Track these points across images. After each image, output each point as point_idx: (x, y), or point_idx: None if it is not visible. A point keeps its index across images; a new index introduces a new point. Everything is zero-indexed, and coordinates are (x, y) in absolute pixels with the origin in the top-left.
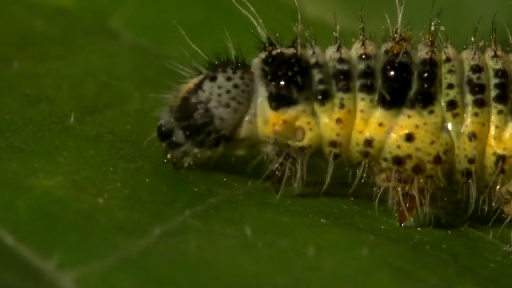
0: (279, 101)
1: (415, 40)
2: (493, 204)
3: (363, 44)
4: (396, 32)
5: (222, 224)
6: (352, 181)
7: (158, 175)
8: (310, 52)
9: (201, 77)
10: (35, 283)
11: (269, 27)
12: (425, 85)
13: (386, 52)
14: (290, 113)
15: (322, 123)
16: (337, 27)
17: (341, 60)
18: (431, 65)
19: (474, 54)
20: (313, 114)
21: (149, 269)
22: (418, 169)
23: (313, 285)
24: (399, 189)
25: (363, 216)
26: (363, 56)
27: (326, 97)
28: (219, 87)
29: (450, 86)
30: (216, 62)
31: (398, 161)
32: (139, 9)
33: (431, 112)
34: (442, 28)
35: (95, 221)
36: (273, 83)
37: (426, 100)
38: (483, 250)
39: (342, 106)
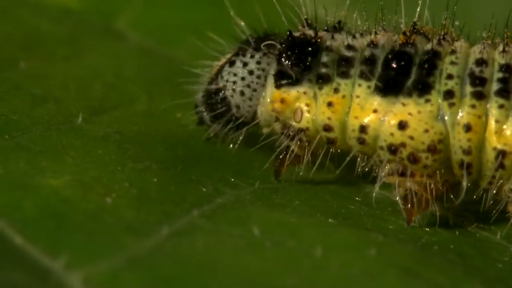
0: (282, 79)
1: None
2: (500, 204)
3: (376, 32)
4: (413, 25)
5: (230, 224)
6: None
7: (165, 175)
8: (328, 36)
9: (225, 58)
10: (43, 282)
11: (276, 28)
12: (423, 74)
13: (394, 42)
14: (290, 92)
15: (317, 106)
16: (359, 19)
17: (348, 47)
18: (433, 55)
19: (482, 48)
20: (314, 97)
21: (157, 269)
22: (413, 158)
23: (321, 285)
24: (401, 183)
25: (370, 216)
26: (371, 44)
27: (325, 81)
28: (235, 74)
29: (449, 77)
30: (247, 38)
31: (393, 149)
32: (145, 10)
33: (427, 101)
34: (457, 22)
35: (103, 220)
36: (281, 62)
37: (423, 89)
38: (491, 250)
39: (336, 90)
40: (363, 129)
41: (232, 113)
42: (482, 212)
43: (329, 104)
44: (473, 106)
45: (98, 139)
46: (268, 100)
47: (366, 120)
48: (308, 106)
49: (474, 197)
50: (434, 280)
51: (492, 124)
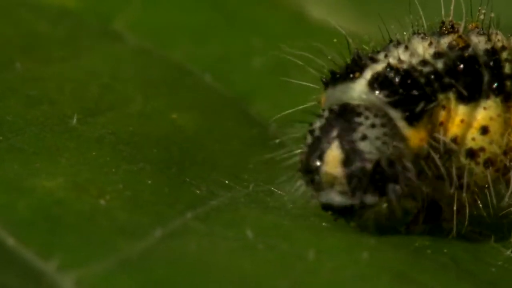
0: (415, 116)
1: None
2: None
3: (431, 42)
4: (451, 25)
5: (223, 227)
6: None
7: (160, 177)
8: (394, 60)
9: (337, 146)
10: (36, 284)
11: (272, 31)
12: (493, 74)
13: (451, 47)
14: (426, 123)
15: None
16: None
17: (424, 63)
18: (494, 53)
19: None
20: (434, 118)
21: (150, 271)
22: (490, 162)
23: None
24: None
25: None
26: (437, 54)
27: (435, 100)
28: (378, 138)
29: (509, 77)
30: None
31: (472, 154)
32: (143, 11)
33: (502, 100)
34: (492, 14)
35: (96, 222)
36: (401, 103)
37: (497, 89)
38: (485, 254)
39: (443, 107)
40: (454, 140)
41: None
42: (476, 215)
43: (441, 124)
44: None
45: (93, 141)
46: (410, 141)
47: (456, 131)
48: (441, 126)
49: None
50: (427, 284)
51: None
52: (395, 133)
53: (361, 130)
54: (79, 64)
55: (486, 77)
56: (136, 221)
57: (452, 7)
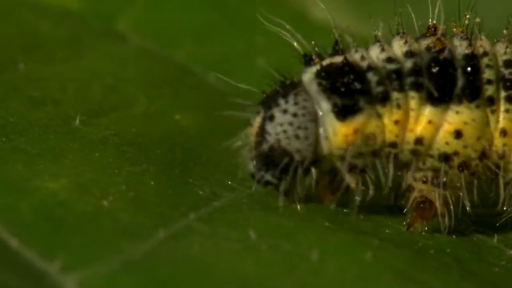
0: (345, 111)
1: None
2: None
3: (406, 41)
4: (433, 28)
5: (227, 228)
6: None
7: (163, 178)
8: (358, 56)
9: (259, 118)
10: (38, 285)
11: (275, 31)
12: (470, 80)
13: (428, 48)
14: (358, 120)
15: (384, 125)
16: (380, 25)
17: (390, 60)
18: (473, 59)
19: (506, 48)
20: (378, 117)
21: (153, 272)
22: (464, 166)
23: None
24: (434, 195)
25: (367, 220)
26: (409, 53)
27: (386, 98)
28: (281, 124)
29: (489, 82)
30: (265, 95)
31: (445, 158)
32: (146, 12)
33: (478, 106)
34: (477, 19)
35: (99, 223)
36: (335, 95)
37: (472, 94)
38: (487, 254)
39: (398, 106)
40: (418, 141)
41: (296, 160)
42: (479, 215)
43: (396, 122)
44: (507, 111)
45: (96, 142)
46: (335, 135)
47: (421, 132)
48: (378, 127)
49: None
50: (430, 284)
51: None
52: (307, 128)
53: (275, 111)
54: (81, 65)
55: (460, 82)
56: (139, 222)
57: (436, 10)
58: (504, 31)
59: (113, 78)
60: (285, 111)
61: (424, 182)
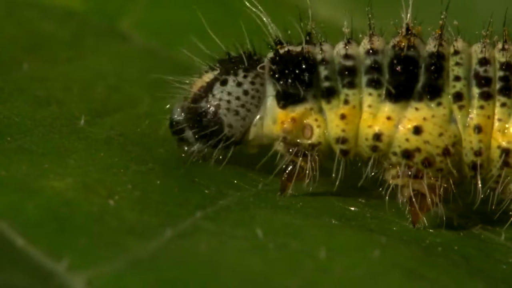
0: (286, 99)
1: (426, 36)
2: (503, 204)
3: (370, 39)
4: (404, 27)
5: (233, 226)
6: (363, 179)
7: (169, 177)
8: (317, 49)
9: (212, 75)
10: (45, 285)
11: (279, 27)
12: (432, 78)
13: (394, 46)
14: (298, 110)
15: (328, 120)
16: (345, 23)
17: (347, 56)
18: (438, 57)
19: (483, 47)
20: (321, 111)
21: (160, 271)
22: (427, 162)
23: (324, 287)
24: (409, 186)
25: (374, 218)
26: (370, 51)
27: (331, 93)
28: (229, 93)
29: (457, 78)
30: (230, 57)
31: (408, 154)
32: (149, 11)
33: (439, 104)
34: (455, 22)
35: (106, 223)
36: (280, 82)
37: (433, 92)
38: (495, 251)
39: (346, 102)
40: (377, 137)
41: (224, 133)
42: (487, 213)
43: (342, 117)
44: (481, 107)
45: (101, 142)
46: (272, 121)
47: (380, 128)
48: (317, 121)
49: (482, 196)
50: (439, 281)
51: (496, 122)
52: (249, 104)
53: (230, 77)
54: (85, 65)
55: (422, 78)
56: (146, 221)
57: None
58: (483, 32)
59: (117, 78)
60: (239, 84)
61: (398, 177)
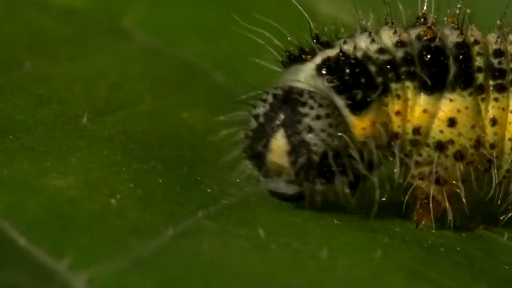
0: (357, 106)
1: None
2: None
3: (396, 31)
4: (423, 17)
5: (235, 225)
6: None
7: (171, 176)
8: (350, 47)
9: (281, 137)
10: (47, 284)
11: (282, 27)
12: (462, 67)
13: (419, 37)
14: (370, 113)
15: (390, 117)
16: (358, 13)
17: (382, 51)
18: (465, 46)
19: (497, 38)
20: (385, 106)
21: (162, 270)
22: (460, 155)
23: (327, 287)
24: (430, 190)
25: (377, 218)
26: (399, 43)
27: (386, 89)
28: (323, 130)
29: (479, 70)
30: (263, 118)
31: (441, 146)
32: (151, 9)
33: (471, 94)
34: (468, 10)
35: (108, 221)
36: (345, 90)
37: (465, 81)
38: (498, 252)
39: (398, 96)
40: (416, 131)
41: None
42: (489, 213)
43: (398, 113)
44: (496, 100)
45: (103, 140)
46: (354, 130)
47: (418, 121)
48: (387, 117)
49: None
50: (440, 282)
51: (509, 114)
52: (341, 123)
53: (307, 121)
54: (87, 63)
55: (452, 69)
56: (148, 220)
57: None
58: (498, 22)
59: (119, 76)
60: (318, 117)
61: (421, 179)
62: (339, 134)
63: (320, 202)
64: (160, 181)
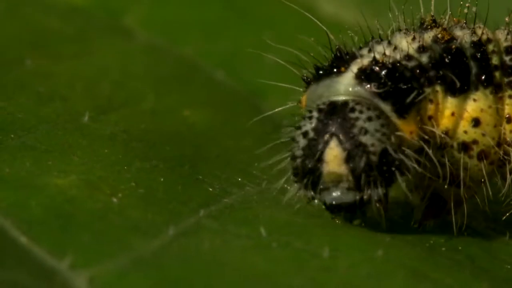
0: (401, 111)
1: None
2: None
3: (415, 37)
4: (433, 20)
5: (237, 225)
6: None
7: (172, 175)
8: (379, 55)
9: (335, 146)
10: (48, 282)
11: (283, 25)
12: (482, 65)
13: (436, 40)
14: (414, 116)
15: (424, 121)
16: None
17: (408, 57)
18: (481, 45)
19: (507, 35)
20: (423, 111)
21: (163, 269)
22: (484, 155)
23: (328, 286)
24: (450, 191)
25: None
26: (421, 48)
27: (421, 93)
28: (377, 130)
29: (496, 68)
30: (313, 132)
31: (465, 147)
32: (153, 7)
33: (492, 92)
34: (474, 9)
35: (109, 220)
36: (390, 95)
37: (486, 80)
38: (500, 251)
39: (431, 101)
40: (446, 133)
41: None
42: (491, 212)
43: (430, 117)
44: (510, 97)
45: (105, 138)
46: (402, 133)
47: (447, 125)
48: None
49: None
50: (443, 282)
51: None
52: (390, 124)
53: (360, 124)
54: (89, 61)
55: (474, 69)
56: (150, 219)
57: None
58: (506, 18)
59: (121, 75)
60: (369, 118)
61: (444, 180)
62: (393, 133)
63: (380, 210)
64: (162, 179)
